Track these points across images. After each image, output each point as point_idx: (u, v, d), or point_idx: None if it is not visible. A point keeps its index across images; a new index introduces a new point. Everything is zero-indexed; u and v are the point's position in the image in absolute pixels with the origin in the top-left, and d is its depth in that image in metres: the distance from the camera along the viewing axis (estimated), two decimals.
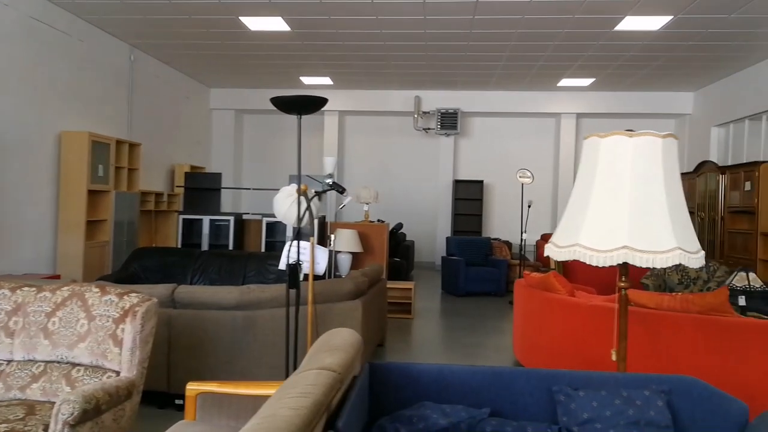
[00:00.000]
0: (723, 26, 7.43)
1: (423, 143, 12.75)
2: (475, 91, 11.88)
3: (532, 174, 7.89)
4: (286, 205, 3.88)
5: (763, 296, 6.06)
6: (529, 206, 7.99)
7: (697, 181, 10.06)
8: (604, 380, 2.17)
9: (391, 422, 1.96)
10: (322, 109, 11.87)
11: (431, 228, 12.71)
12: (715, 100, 10.62)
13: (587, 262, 2.20)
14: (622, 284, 2.38)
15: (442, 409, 2.02)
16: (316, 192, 3.61)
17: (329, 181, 3.45)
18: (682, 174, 10.82)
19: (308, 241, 3.76)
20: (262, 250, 7.72)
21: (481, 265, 9.08)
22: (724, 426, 2.10)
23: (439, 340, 5.97)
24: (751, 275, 4.48)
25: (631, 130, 2.30)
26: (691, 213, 10.39)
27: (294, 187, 3.96)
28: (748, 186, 8.45)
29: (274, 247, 7.69)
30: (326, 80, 11.20)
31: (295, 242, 3.79)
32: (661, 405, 2.09)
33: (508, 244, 11.81)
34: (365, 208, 7.39)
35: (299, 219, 3.58)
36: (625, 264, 2.24)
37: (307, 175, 3.96)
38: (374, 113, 12.45)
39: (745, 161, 9.38)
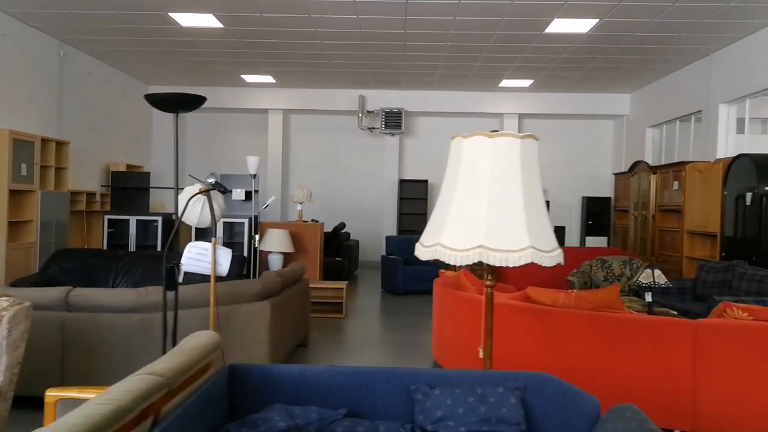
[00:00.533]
0: (647, 30, 7.65)
1: (368, 143, 12.75)
2: (418, 91, 11.94)
3: None
4: (187, 205, 3.81)
5: (678, 292, 6.26)
6: None
7: (632, 181, 10.34)
8: (461, 378, 2.20)
9: (237, 427, 1.94)
10: (266, 107, 11.77)
11: (377, 227, 12.73)
12: (649, 102, 10.93)
13: (447, 261, 2.22)
14: (488, 283, 2.41)
15: (292, 411, 2.00)
16: (200, 190, 3.55)
17: (211, 180, 3.39)
18: (619, 174, 11.10)
19: (224, 242, 3.70)
20: None
21: (420, 263, 9.13)
22: (576, 421, 2.14)
23: (365, 340, 5.97)
24: (656, 272, 4.61)
25: (495, 131, 2.33)
26: (626, 212, 10.67)
27: (197, 186, 3.90)
28: (676, 185, 8.73)
29: None
30: (268, 78, 11.09)
31: (194, 243, 3.72)
32: (514, 402, 2.12)
33: None
34: (299, 207, 7.34)
35: (213, 219, 3.52)
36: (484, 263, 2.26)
37: (190, 175, 3.89)
38: (319, 112, 12.39)
39: (675, 161, 9.68)
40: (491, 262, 2.15)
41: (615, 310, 3.45)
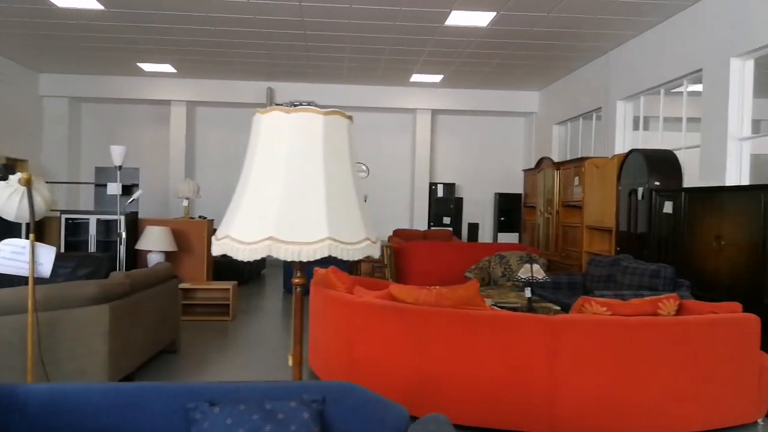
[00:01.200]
0: (545, 25, 7.65)
1: None
2: (329, 84, 11.62)
3: (367, 168, 7.70)
4: (2, 198, 3.34)
5: (569, 286, 6.24)
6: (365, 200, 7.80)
7: (538, 177, 10.41)
8: (249, 392, 1.89)
9: None
10: (168, 98, 11.13)
11: None
12: (555, 100, 11.07)
13: (236, 257, 1.91)
14: (297, 280, 2.12)
15: None
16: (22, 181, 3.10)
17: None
18: (527, 170, 11.18)
19: (52, 242, 3.24)
20: (62, 249, 6.96)
21: (327, 260, 8.81)
22: None
23: (244, 345, 5.60)
24: (535, 267, 4.50)
25: (299, 104, 2.05)
26: (534, 208, 10.76)
27: (17, 176, 3.43)
28: (576, 181, 8.81)
29: (78, 247, 6.95)
30: (168, 68, 10.47)
31: (8, 241, 3.26)
32: (307, 417, 1.84)
33: None
34: (184, 203, 6.87)
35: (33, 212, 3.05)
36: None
37: None
38: (225, 105, 11.85)
39: (577, 158, 9.81)
40: (282, 256, 1.85)
41: (475, 306, 3.25)
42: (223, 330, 6.09)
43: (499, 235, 12.31)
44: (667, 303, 3.16)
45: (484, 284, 7.19)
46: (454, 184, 12.34)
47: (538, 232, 10.54)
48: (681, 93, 7.34)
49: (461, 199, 12.52)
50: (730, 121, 6.20)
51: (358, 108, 11.93)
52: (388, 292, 3.54)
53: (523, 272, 4.49)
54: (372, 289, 4.70)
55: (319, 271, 4.27)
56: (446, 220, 12.26)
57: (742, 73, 6.14)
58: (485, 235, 12.75)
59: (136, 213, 6.63)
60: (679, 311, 3.32)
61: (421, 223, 12.05)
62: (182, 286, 6.33)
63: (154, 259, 6.28)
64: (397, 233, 10.71)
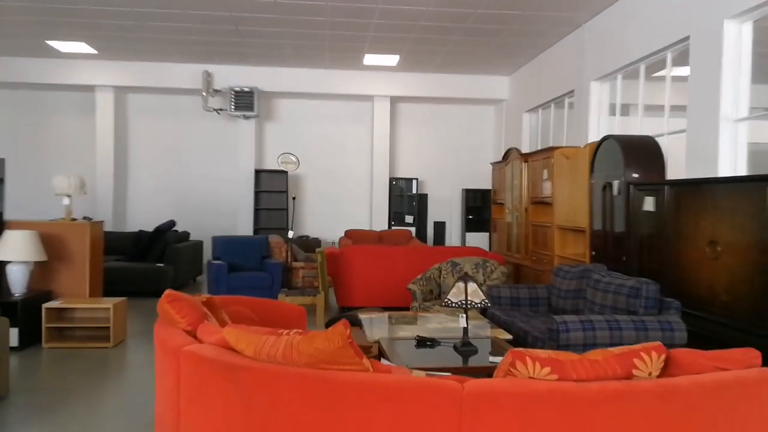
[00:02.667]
0: None
1: (220, 127, 11.04)
2: (272, 68, 10.36)
3: (297, 159, 6.50)
4: None
5: (531, 302, 5.06)
6: (293, 198, 6.59)
7: (506, 171, 9.26)
8: None
9: None
10: (92, 83, 9.84)
11: (231, 225, 11.05)
12: (526, 84, 9.91)
13: None
14: None
15: None
16: None
17: None
18: (495, 163, 10.01)
19: None
20: None
21: (253, 269, 7.58)
22: None
23: (112, 385, 4.36)
24: (471, 286, 3.31)
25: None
26: (502, 205, 9.58)
27: None
28: (545, 174, 7.66)
29: None
30: (85, 47, 9.15)
31: None
32: None
33: (316, 241, 10.45)
34: (65, 202, 5.60)
35: None
36: None
37: None
38: (156, 90, 10.54)
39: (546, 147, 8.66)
40: None
41: (341, 366, 2.05)
42: (96, 362, 4.84)
43: (467, 235, 11.15)
44: (648, 359, 1.99)
45: (432, 297, 6.01)
46: (416, 179, 11.15)
47: (509, 232, 9.40)
48: (663, 77, 6.20)
49: (425, 195, 11.34)
50: (723, 99, 5.06)
51: (308, 94, 10.70)
52: (222, 336, 2.33)
53: (455, 294, 3.30)
54: (250, 318, 3.49)
55: (169, 295, 3.00)
56: (409, 219, 11.08)
57: (738, 38, 5.00)
58: (453, 236, 11.58)
59: (0, 213, 5.37)
60: (666, 367, 2.14)
61: (381, 223, 10.86)
62: (50, 304, 5.08)
63: (14, 271, 5.01)
64: (349, 234, 9.51)
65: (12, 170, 10.71)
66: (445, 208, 11.56)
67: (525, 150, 9.77)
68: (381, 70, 10.45)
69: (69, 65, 9.98)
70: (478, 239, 11.13)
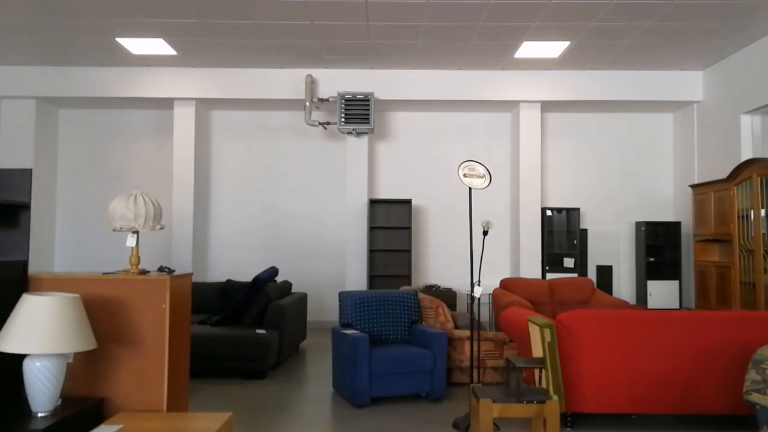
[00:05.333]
0: None
1: (324, 147, 8.80)
2: (390, 71, 8.08)
3: (488, 171, 4.04)
4: None
5: None
6: (485, 233, 4.07)
7: (729, 195, 6.49)
8: None
9: None
10: (168, 95, 7.85)
11: (340, 270, 8.66)
12: (740, 78, 7.17)
13: None
14: None
15: None
16: None
17: None
18: (701, 185, 7.23)
19: None
20: None
21: (401, 340, 5.06)
22: None
23: None
24: None
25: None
26: (713, 243, 6.73)
27: None
28: None
29: None
30: (162, 45, 7.13)
31: None
32: None
33: (451, 295, 7.90)
34: (130, 242, 3.28)
35: None
36: None
37: None
38: (248, 104, 8.42)
39: None
40: None
41: None
42: None
43: (649, 283, 8.30)
44: None
45: None
46: (578, 209, 8.47)
47: (726, 281, 6.57)
48: None
49: (585, 231, 8.63)
50: None
51: (433, 104, 8.33)
52: None
53: None
54: None
55: None
56: (569, 262, 8.37)
57: None
58: (622, 284, 8.75)
59: (23, 263, 3.11)
60: None
61: (532, 268, 8.20)
62: (102, 431, 2.70)
63: (36, 374, 2.69)
64: (508, 285, 6.90)
65: (63, 207, 8.77)
66: (611, 247, 8.77)
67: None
68: (531, 68, 7.97)
69: (141, 74, 8.02)
70: (665, 289, 8.26)
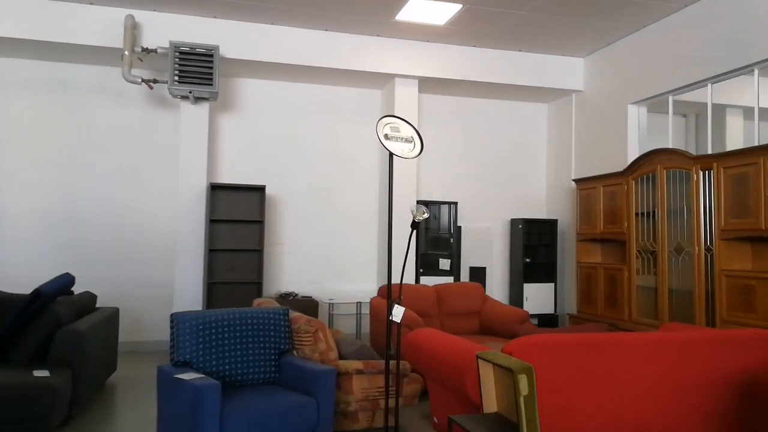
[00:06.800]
0: None
1: (146, 114, 6.81)
2: (245, 23, 6.42)
3: (417, 134, 2.67)
4: None
5: None
6: (415, 223, 2.72)
7: (629, 187, 5.91)
8: None
9: None
10: None
11: (165, 278, 6.72)
12: (623, 67, 6.69)
13: None
14: None
15: None
16: None
17: None
18: (587, 180, 6.64)
19: None
20: None
21: (265, 381, 3.50)
22: None
23: None
24: None
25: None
26: (589, 242, 6.13)
27: None
28: None
29: None
30: None
31: None
32: None
33: (312, 305, 6.48)
34: None
35: None
36: None
37: None
38: (47, 50, 6.14)
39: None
40: None
41: None
42: None
43: (526, 286, 7.60)
44: None
45: None
46: (455, 203, 7.50)
47: (623, 286, 6.02)
48: None
49: (459, 229, 7.70)
50: None
51: (294, 69, 6.79)
52: None
53: None
54: None
55: None
56: (444, 264, 7.35)
57: None
58: (495, 287, 7.97)
59: None
60: None
61: (403, 270, 7.02)
62: None
63: None
64: (385, 293, 5.59)
65: None
66: (484, 246, 7.96)
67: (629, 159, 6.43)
68: (410, 37, 6.81)
69: None
70: (541, 293, 7.62)
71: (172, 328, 3.38)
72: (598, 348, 2.88)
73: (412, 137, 2.81)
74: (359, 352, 3.91)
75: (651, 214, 5.74)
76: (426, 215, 2.95)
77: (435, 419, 3.57)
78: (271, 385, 3.49)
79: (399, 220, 6.95)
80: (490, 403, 2.57)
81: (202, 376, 3.10)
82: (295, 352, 3.76)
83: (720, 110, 6.58)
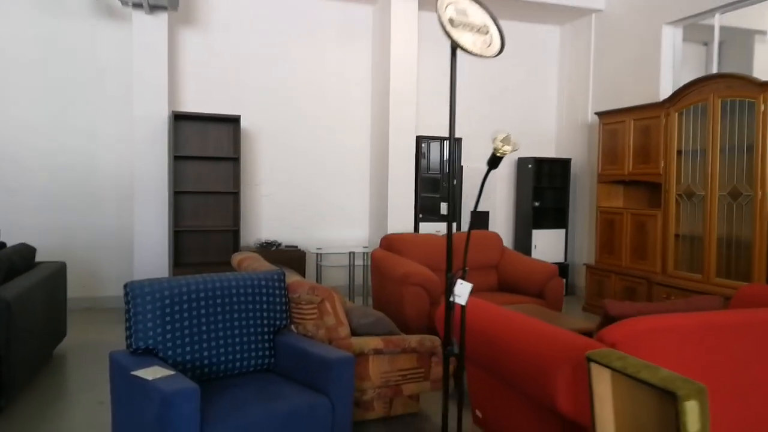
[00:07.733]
0: None
1: (88, 27, 5.58)
2: None
3: (495, 23, 1.68)
4: None
5: None
6: (496, 159, 1.81)
7: (671, 121, 5.06)
8: None
9: None
10: None
11: (122, 226, 5.69)
12: None
13: None
14: None
15: None
16: None
17: None
18: (612, 113, 5.76)
19: None
20: None
21: (256, 370, 2.62)
22: None
23: None
24: None
25: None
26: (612, 184, 5.34)
27: None
28: None
29: None
30: None
31: None
32: None
33: (298, 257, 5.60)
34: None
35: None
36: None
37: None
38: None
39: None
40: None
41: None
42: None
43: (534, 233, 6.83)
44: None
45: None
46: (459, 139, 6.58)
47: (656, 235, 5.28)
48: None
49: (461, 169, 6.80)
50: None
51: None
52: None
53: None
54: None
55: None
56: (445, 208, 6.49)
57: None
58: (500, 233, 7.15)
59: None
60: None
61: (402, 217, 6.16)
62: None
63: None
64: (390, 243, 4.77)
65: None
66: (486, 188, 7.11)
67: (667, 92, 5.55)
68: None
69: None
70: (550, 240, 6.87)
71: (127, 303, 2.43)
72: (735, 333, 2.07)
73: (487, 26, 1.86)
74: (375, 325, 3.05)
75: (697, 152, 4.93)
76: (515, 147, 2.04)
77: (477, 413, 2.78)
78: (265, 375, 2.62)
79: (397, 159, 6.03)
80: (603, 416, 1.75)
81: (172, 372, 2.20)
82: (293, 327, 2.87)
83: (747, 36, 5.73)
